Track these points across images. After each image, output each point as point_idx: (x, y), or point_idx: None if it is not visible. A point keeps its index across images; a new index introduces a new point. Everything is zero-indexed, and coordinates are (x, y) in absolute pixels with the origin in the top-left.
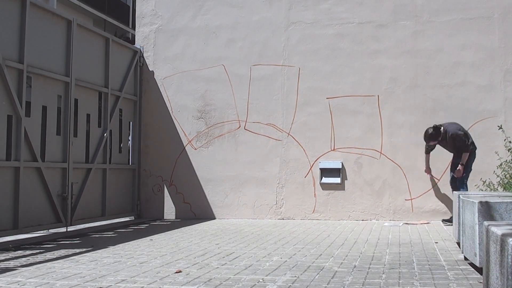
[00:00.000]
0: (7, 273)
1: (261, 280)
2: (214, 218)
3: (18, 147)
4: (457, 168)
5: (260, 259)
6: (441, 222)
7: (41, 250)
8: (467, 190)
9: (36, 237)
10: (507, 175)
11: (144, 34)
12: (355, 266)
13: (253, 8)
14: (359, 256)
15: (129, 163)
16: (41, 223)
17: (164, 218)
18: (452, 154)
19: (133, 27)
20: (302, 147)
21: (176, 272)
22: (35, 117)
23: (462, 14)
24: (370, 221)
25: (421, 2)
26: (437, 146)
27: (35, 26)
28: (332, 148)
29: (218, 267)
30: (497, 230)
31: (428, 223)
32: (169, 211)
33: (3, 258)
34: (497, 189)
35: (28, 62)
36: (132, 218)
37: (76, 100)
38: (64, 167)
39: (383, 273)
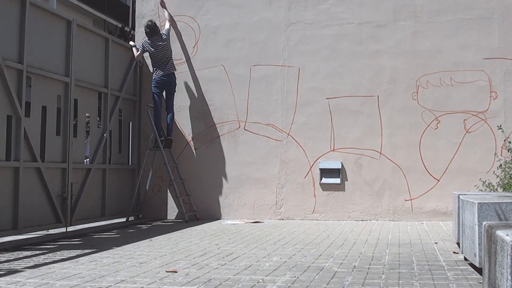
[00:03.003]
0: (7, 274)
1: (260, 281)
2: (214, 219)
3: (18, 147)
4: None
5: (259, 259)
6: None
7: (41, 251)
8: None
9: (35, 238)
10: (507, 175)
11: (144, 34)
12: (354, 267)
13: (253, 8)
14: (359, 257)
15: (129, 163)
16: (40, 224)
17: (164, 218)
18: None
19: (133, 27)
20: (301, 148)
21: (171, 271)
22: (35, 117)
23: (462, 14)
24: (370, 222)
25: (421, 2)
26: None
27: (35, 26)
28: (332, 149)
29: (217, 268)
30: (497, 230)
31: None
32: (169, 212)
33: (3, 258)
34: (497, 190)
35: (28, 62)
36: (132, 218)
37: (76, 100)
38: (63, 167)
39: (383, 274)
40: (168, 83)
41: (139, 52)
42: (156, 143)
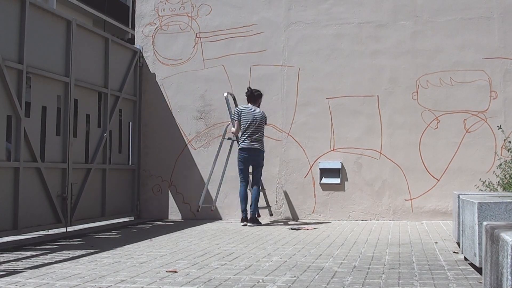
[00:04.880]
0: (7, 274)
1: (260, 281)
2: (214, 219)
3: (18, 147)
4: None
5: (259, 259)
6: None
7: (41, 251)
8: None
9: (35, 238)
10: (507, 175)
11: (143, 35)
12: (355, 266)
13: (253, 8)
14: (359, 256)
15: (129, 164)
16: (40, 224)
17: (164, 218)
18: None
19: (133, 28)
20: (301, 147)
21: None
22: (35, 118)
23: (462, 14)
24: (370, 221)
25: (421, 2)
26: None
27: (35, 26)
28: (332, 148)
29: (217, 267)
30: (497, 230)
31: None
32: (169, 212)
33: (2, 259)
34: (497, 189)
35: (28, 62)
36: (132, 218)
37: (75, 101)
38: (64, 168)
39: (383, 273)
40: (254, 159)
41: (235, 121)
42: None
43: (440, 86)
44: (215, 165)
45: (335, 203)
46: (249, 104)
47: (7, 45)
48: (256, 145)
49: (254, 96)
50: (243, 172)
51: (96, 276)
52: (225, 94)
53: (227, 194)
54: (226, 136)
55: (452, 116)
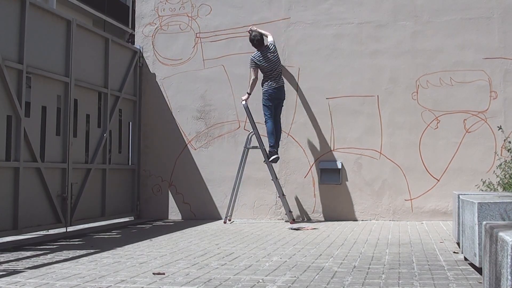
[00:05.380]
0: (7, 274)
1: (260, 281)
2: (214, 219)
3: (18, 147)
4: None
5: (259, 259)
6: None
7: (41, 251)
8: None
9: (35, 238)
10: (507, 175)
11: (143, 35)
12: (354, 266)
13: (253, 8)
14: (359, 256)
15: (129, 164)
16: (40, 224)
17: (164, 218)
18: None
19: (133, 28)
20: (301, 147)
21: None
22: (35, 118)
23: (462, 14)
24: (370, 221)
25: (421, 2)
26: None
27: (35, 26)
28: (332, 148)
29: (217, 267)
30: (497, 230)
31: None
32: (169, 212)
33: (2, 259)
34: (497, 189)
35: (28, 62)
36: (132, 218)
37: (75, 101)
38: (63, 168)
39: (383, 273)
40: (280, 96)
41: (253, 71)
42: (269, 158)
43: (440, 86)
44: (240, 176)
45: (335, 203)
46: (258, 51)
47: (7, 45)
48: (281, 82)
49: (260, 42)
50: (269, 109)
51: (96, 276)
52: (243, 103)
53: (226, 194)
54: (249, 145)
55: (452, 116)
